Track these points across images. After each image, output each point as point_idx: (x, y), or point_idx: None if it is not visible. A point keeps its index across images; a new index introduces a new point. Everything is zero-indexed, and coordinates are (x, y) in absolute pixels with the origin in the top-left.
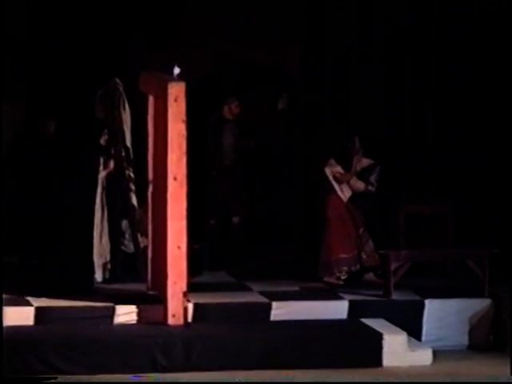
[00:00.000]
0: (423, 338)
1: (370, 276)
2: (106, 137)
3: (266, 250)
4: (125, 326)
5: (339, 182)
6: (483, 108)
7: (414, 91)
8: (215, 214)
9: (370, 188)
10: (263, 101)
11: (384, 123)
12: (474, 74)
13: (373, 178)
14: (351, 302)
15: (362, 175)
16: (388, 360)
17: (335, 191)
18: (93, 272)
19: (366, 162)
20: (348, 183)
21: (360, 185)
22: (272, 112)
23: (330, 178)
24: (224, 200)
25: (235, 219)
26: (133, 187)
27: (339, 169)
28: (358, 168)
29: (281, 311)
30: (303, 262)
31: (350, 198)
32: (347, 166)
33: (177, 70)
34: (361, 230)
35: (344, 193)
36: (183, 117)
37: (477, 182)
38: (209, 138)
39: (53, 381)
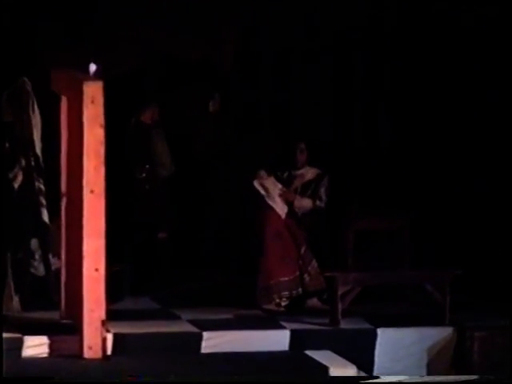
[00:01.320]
0: (375, 371)
1: (315, 301)
2: (7, 144)
3: (196, 273)
4: (35, 360)
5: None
6: (444, 110)
7: (365, 91)
8: (143, 231)
9: (318, 204)
10: (192, 101)
11: (331, 126)
12: (434, 73)
13: (322, 192)
14: (293, 332)
15: (307, 187)
16: None
17: (271, 206)
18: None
19: (312, 172)
20: (292, 202)
21: (307, 203)
22: (202, 114)
23: (261, 191)
24: (151, 215)
25: (161, 235)
26: (44, 201)
27: (271, 181)
28: (304, 179)
29: (213, 342)
30: (238, 286)
31: (290, 213)
32: (288, 179)
33: (93, 67)
34: (303, 249)
35: (281, 207)
36: (101, 121)
37: (437, 194)
38: (129, 145)
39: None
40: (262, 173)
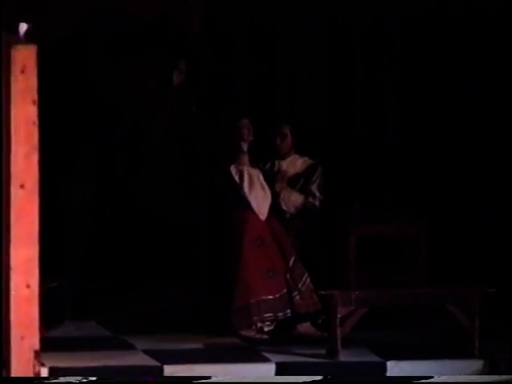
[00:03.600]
0: None
1: (307, 327)
2: None
3: (154, 290)
4: None
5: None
6: (465, 83)
7: (368, 61)
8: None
9: (310, 200)
10: (149, 72)
11: (326, 106)
12: (451, 42)
13: (315, 187)
14: (280, 366)
15: (296, 182)
16: None
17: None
18: None
19: (301, 162)
20: (278, 196)
21: (296, 198)
22: (163, 88)
23: (237, 179)
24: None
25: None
26: None
27: (255, 171)
28: (291, 172)
29: None
30: (208, 306)
31: (276, 213)
32: (271, 171)
33: (24, 28)
34: (292, 260)
35: (263, 206)
36: (34, 96)
37: (460, 191)
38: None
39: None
40: (244, 157)
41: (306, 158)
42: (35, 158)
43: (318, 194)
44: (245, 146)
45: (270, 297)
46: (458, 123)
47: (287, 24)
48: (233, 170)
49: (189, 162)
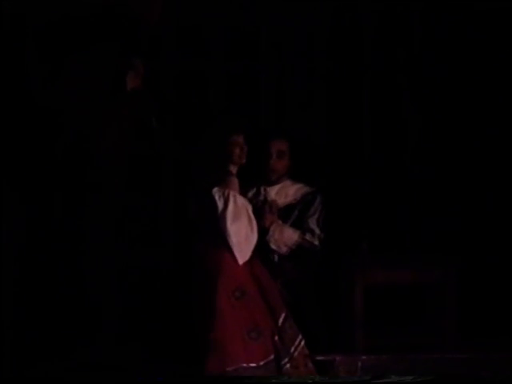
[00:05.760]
0: None
1: None
2: None
3: (102, 355)
4: None
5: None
6: (497, 93)
7: (379, 62)
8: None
9: (308, 238)
10: (96, 73)
11: (325, 119)
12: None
13: (313, 221)
14: None
15: (288, 215)
16: None
17: (227, 244)
18: None
19: (294, 190)
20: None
21: (290, 234)
22: (113, 94)
23: (219, 205)
24: None
25: None
26: None
27: (243, 200)
28: (281, 202)
29: None
30: (175, 376)
31: (260, 256)
32: (255, 199)
33: None
34: (282, 318)
35: (243, 246)
36: None
37: (497, 228)
38: None
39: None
40: (233, 180)
41: (300, 185)
42: None
43: (317, 230)
44: (234, 169)
45: (253, 364)
46: (493, 145)
47: (274, 10)
48: (216, 193)
49: (148, 188)
